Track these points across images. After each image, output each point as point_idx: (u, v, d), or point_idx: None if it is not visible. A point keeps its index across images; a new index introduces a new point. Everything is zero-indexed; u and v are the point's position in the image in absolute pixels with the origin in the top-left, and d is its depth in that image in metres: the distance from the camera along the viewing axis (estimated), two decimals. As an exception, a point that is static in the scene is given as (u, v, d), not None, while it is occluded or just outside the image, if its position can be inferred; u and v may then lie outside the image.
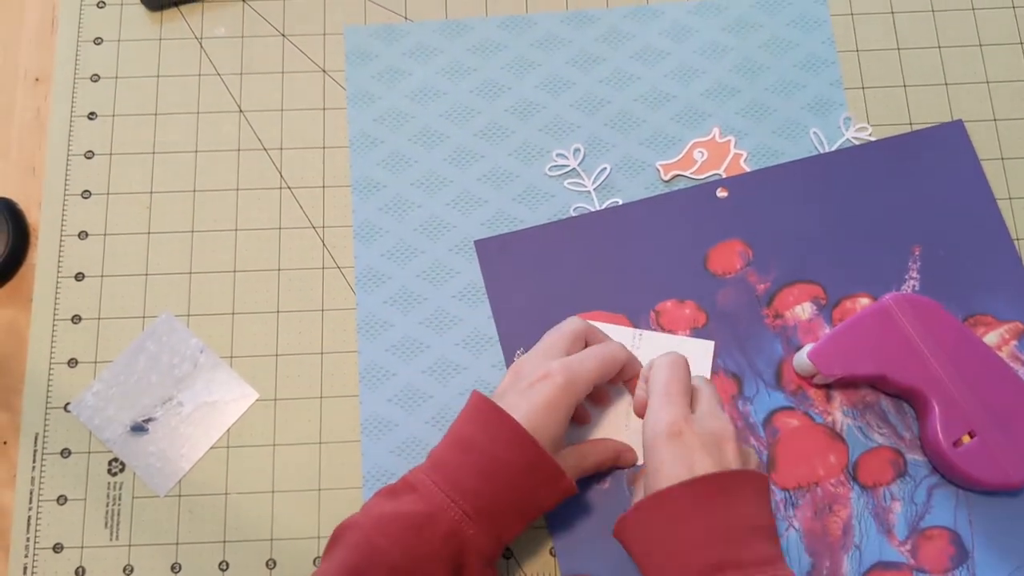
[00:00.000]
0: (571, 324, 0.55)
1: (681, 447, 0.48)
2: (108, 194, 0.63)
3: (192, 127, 0.64)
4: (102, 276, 0.61)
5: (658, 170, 0.63)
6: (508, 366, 0.58)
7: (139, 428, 0.58)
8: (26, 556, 0.56)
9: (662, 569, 0.47)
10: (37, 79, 0.65)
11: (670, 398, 0.50)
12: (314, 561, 0.56)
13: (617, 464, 0.56)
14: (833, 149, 0.63)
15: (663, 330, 0.59)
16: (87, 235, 0.62)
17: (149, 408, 0.59)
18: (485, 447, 0.48)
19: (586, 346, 0.55)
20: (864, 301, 0.60)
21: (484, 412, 0.50)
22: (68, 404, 0.59)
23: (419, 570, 0.46)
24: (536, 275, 0.61)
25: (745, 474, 0.48)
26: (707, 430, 0.49)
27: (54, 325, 0.60)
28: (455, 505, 0.47)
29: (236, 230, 0.62)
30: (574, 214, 0.62)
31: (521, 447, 0.48)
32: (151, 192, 0.63)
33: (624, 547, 0.49)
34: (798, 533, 0.56)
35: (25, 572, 0.56)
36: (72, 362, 0.59)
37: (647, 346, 0.58)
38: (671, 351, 0.54)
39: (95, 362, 0.59)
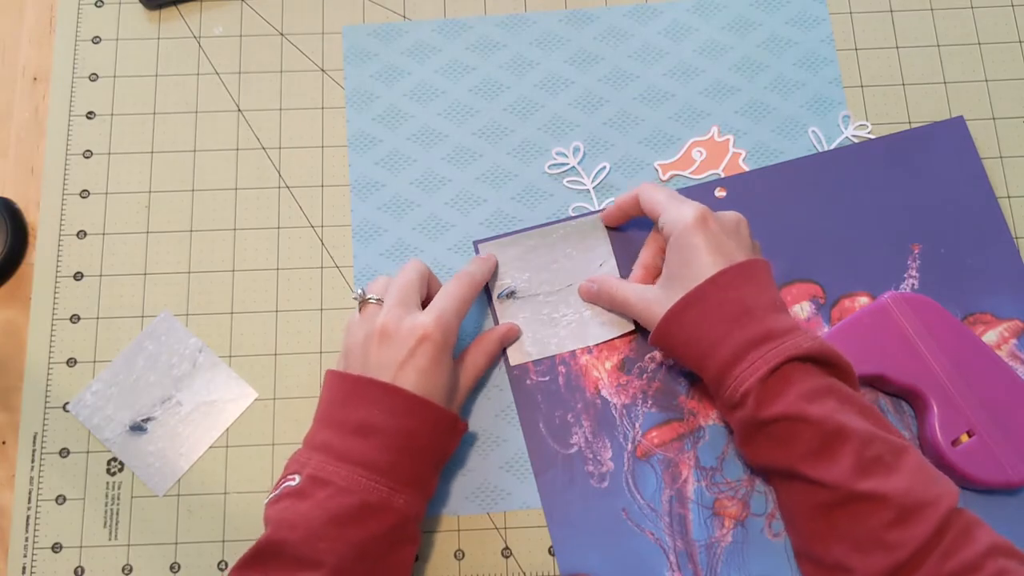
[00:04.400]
0: (417, 268, 0.55)
1: (710, 234, 0.52)
2: (107, 193, 0.62)
3: (190, 126, 0.64)
4: (101, 275, 0.61)
5: (657, 169, 0.63)
6: (505, 361, 0.58)
7: (138, 428, 0.58)
8: (25, 556, 0.56)
9: (705, 357, 0.50)
10: (35, 78, 0.65)
11: (680, 199, 0.54)
12: (313, 560, 0.56)
13: (505, 343, 0.58)
14: (832, 147, 0.63)
15: None
16: (86, 234, 0.62)
17: (148, 408, 0.59)
18: (388, 425, 0.48)
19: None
20: (863, 300, 0.60)
21: (374, 392, 0.49)
22: (67, 404, 0.59)
23: (367, 555, 0.47)
24: (535, 274, 0.60)
25: (761, 260, 0.52)
26: (721, 217, 0.53)
27: (53, 325, 0.60)
28: (380, 486, 0.47)
29: (235, 229, 0.62)
30: (573, 213, 0.62)
31: (423, 414, 0.49)
32: (150, 191, 0.63)
33: (665, 350, 0.54)
34: (797, 532, 0.55)
35: (24, 572, 0.56)
36: (71, 361, 0.59)
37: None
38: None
39: (94, 361, 0.59)
